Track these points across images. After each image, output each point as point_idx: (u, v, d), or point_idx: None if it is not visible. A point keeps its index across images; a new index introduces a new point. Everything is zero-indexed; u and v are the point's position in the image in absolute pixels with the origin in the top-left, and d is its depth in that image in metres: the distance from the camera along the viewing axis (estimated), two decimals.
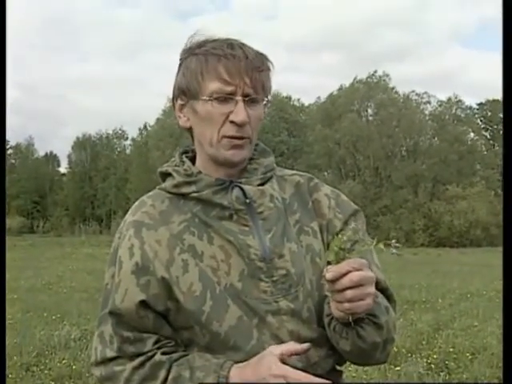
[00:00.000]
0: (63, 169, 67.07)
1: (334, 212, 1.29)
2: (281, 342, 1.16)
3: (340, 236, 1.06)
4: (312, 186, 1.32)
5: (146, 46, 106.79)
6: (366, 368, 5.18)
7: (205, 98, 1.17)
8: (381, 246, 1.10)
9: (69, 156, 63.81)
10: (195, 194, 1.21)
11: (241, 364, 1.12)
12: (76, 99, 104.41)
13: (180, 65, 1.25)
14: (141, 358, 1.17)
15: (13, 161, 63.95)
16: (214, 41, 1.20)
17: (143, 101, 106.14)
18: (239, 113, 1.16)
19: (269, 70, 1.22)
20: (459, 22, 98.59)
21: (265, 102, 1.23)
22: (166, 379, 1.15)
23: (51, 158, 67.16)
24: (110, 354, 1.19)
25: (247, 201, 1.20)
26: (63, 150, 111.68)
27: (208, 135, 1.20)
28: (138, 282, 1.17)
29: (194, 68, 1.19)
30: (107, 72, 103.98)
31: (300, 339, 1.18)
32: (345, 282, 1.02)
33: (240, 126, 1.17)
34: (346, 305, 1.04)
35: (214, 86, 1.16)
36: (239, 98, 1.17)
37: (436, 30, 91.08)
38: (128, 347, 1.18)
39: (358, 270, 1.03)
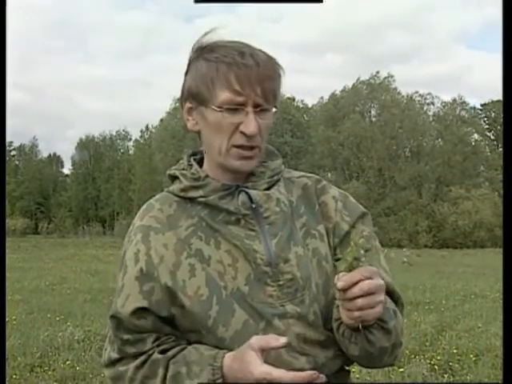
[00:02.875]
0: (67, 170, 67.28)
1: (341, 215, 1.28)
2: (288, 345, 1.16)
3: (354, 246, 1.06)
4: (319, 189, 1.31)
5: (151, 47, 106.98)
6: (370, 369, 5.18)
7: (214, 107, 1.17)
8: (392, 255, 1.09)
9: (72, 157, 63.97)
10: (202, 199, 1.22)
11: (231, 354, 1.13)
12: (80, 101, 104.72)
13: (189, 65, 1.24)
14: (142, 358, 1.19)
15: (17, 162, 64.10)
16: (225, 47, 1.19)
17: (147, 102, 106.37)
18: (249, 124, 1.16)
19: (280, 76, 1.21)
20: (464, 23, 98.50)
21: (275, 110, 1.22)
22: (164, 377, 1.16)
23: (55, 160, 67.27)
24: (113, 355, 1.22)
25: (253, 206, 1.21)
26: (67, 151, 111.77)
27: (217, 144, 1.19)
28: (141, 288, 1.18)
29: (204, 74, 1.18)
30: (112, 74, 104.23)
31: (306, 341, 1.19)
32: (355, 290, 1.02)
33: (250, 136, 1.17)
34: (357, 313, 1.04)
35: (224, 95, 1.15)
36: (250, 108, 1.16)
37: (440, 32, 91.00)
38: (129, 348, 1.20)
39: (368, 278, 1.03)
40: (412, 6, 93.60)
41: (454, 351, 6.05)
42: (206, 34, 1.23)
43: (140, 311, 1.17)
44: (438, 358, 5.81)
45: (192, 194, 1.23)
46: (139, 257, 1.20)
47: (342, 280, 1.03)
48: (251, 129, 1.16)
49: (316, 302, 1.21)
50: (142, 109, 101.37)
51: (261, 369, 1.06)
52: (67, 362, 5.51)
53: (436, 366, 5.51)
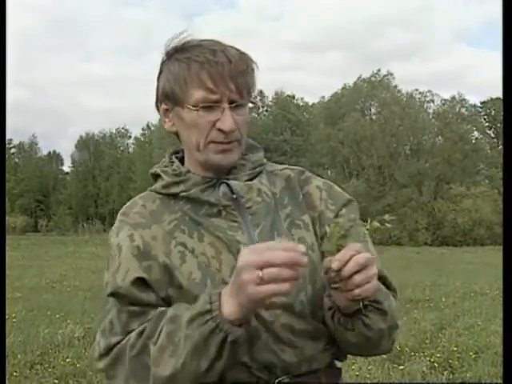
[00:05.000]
0: (66, 168, 67.27)
1: (325, 203, 1.28)
2: (275, 335, 1.16)
3: (333, 224, 1.06)
4: (303, 179, 1.32)
5: (151, 45, 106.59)
6: (370, 366, 5.19)
7: (190, 106, 1.17)
8: (376, 224, 1.08)
9: (72, 155, 63.95)
10: (184, 193, 1.22)
11: (228, 287, 1.07)
12: (81, 98, 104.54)
13: (161, 67, 1.24)
14: (145, 324, 1.15)
15: (16, 160, 64.07)
16: (196, 46, 1.19)
17: (147, 100, 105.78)
18: (226, 121, 1.16)
19: (253, 71, 1.21)
20: (464, 21, 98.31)
21: (251, 105, 1.22)
22: (164, 322, 1.12)
23: (54, 157, 67.26)
24: (114, 339, 1.17)
25: (234, 196, 1.21)
26: (67, 148, 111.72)
27: (194, 141, 1.20)
28: (140, 264, 1.17)
29: (176, 74, 1.19)
30: (112, 72, 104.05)
31: (294, 332, 1.18)
32: (351, 266, 1.01)
33: (228, 133, 1.17)
34: (356, 291, 1.03)
35: (198, 94, 1.16)
36: (225, 105, 1.17)
37: (441, 29, 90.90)
38: (134, 322, 1.16)
39: (359, 252, 1.02)
40: (412, 4, 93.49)
41: (454, 349, 6.05)
42: (176, 35, 1.23)
43: (141, 283, 1.16)
44: (438, 355, 5.82)
45: (174, 189, 1.24)
46: (134, 238, 1.20)
47: (335, 260, 1.01)
48: (228, 125, 1.16)
49: (303, 292, 1.20)
50: (141, 106, 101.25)
51: (245, 257, 1.00)
52: (67, 360, 5.52)
53: (436, 364, 5.52)
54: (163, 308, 1.15)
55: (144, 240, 1.19)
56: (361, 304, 1.08)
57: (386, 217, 1.07)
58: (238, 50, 1.20)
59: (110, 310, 1.19)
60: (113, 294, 1.18)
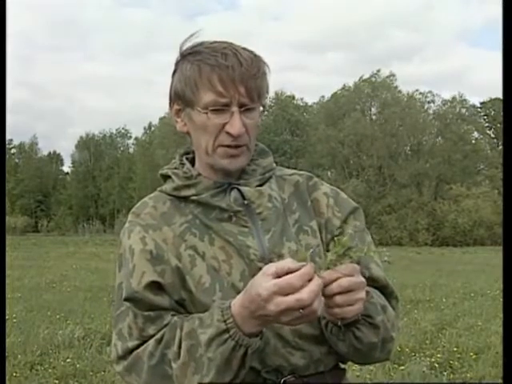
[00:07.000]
0: (67, 168, 67.27)
1: (332, 210, 1.29)
2: (283, 339, 1.18)
3: (338, 243, 1.06)
4: (311, 185, 1.32)
5: (152, 45, 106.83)
6: (371, 367, 5.18)
7: (200, 109, 1.18)
8: (371, 253, 1.10)
9: (72, 155, 63.93)
10: (194, 197, 1.23)
11: (239, 296, 1.07)
12: (82, 99, 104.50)
13: (176, 65, 1.24)
14: (162, 331, 1.15)
15: (16, 160, 64.06)
16: (208, 48, 1.19)
17: (147, 100, 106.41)
18: (235, 124, 1.16)
19: (265, 74, 1.21)
20: (465, 22, 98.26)
21: (262, 109, 1.22)
22: (181, 337, 1.13)
23: (55, 157, 67.25)
24: (131, 344, 1.17)
25: (245, 202, 1.21)
26: (67, 149, 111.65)
27: (203, 144, 1.21)
28: (154, 268, 1.17)
29: (188, 76, 1.19)
30: (112, 72, 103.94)
31: (302, 336, 1.19)
32: (333, 287, 1.03)
33: (236, 136, 1.18)
34: (336, 310, 1.05)
35: (208, 97, 1.16)
36: (235, 108, 1.17)
37: (442, 30, 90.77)
38: (151, 328, 1.16)
39: (348, 275, 1.03)
40: (413, 4, 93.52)
41: (454, 349, 6.05)
42: (190, 37, 1.23)
43: (156, 286, 1.16)
44: (438, 355, 5.82)
45: (185, 192, 1.24)
46: (146, 241, 1.19)
47: (320, 277, 1.03)
48: (236, 129, 1.17)
49: None
50: (141, 106, 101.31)
51: (266, 285, 0.99)
52: (67, 360, 5.51)
53: (436, 364, 5.52)
54: (177, 318, 1.15)
55: (156, 243, 1.19)
56: (340, 323, 1.10)
57: (384, 250, 1.09)
58: (250, 53, 1.20)
59: (126, 313, 1.18)
60: (128, 299, 1.18)
